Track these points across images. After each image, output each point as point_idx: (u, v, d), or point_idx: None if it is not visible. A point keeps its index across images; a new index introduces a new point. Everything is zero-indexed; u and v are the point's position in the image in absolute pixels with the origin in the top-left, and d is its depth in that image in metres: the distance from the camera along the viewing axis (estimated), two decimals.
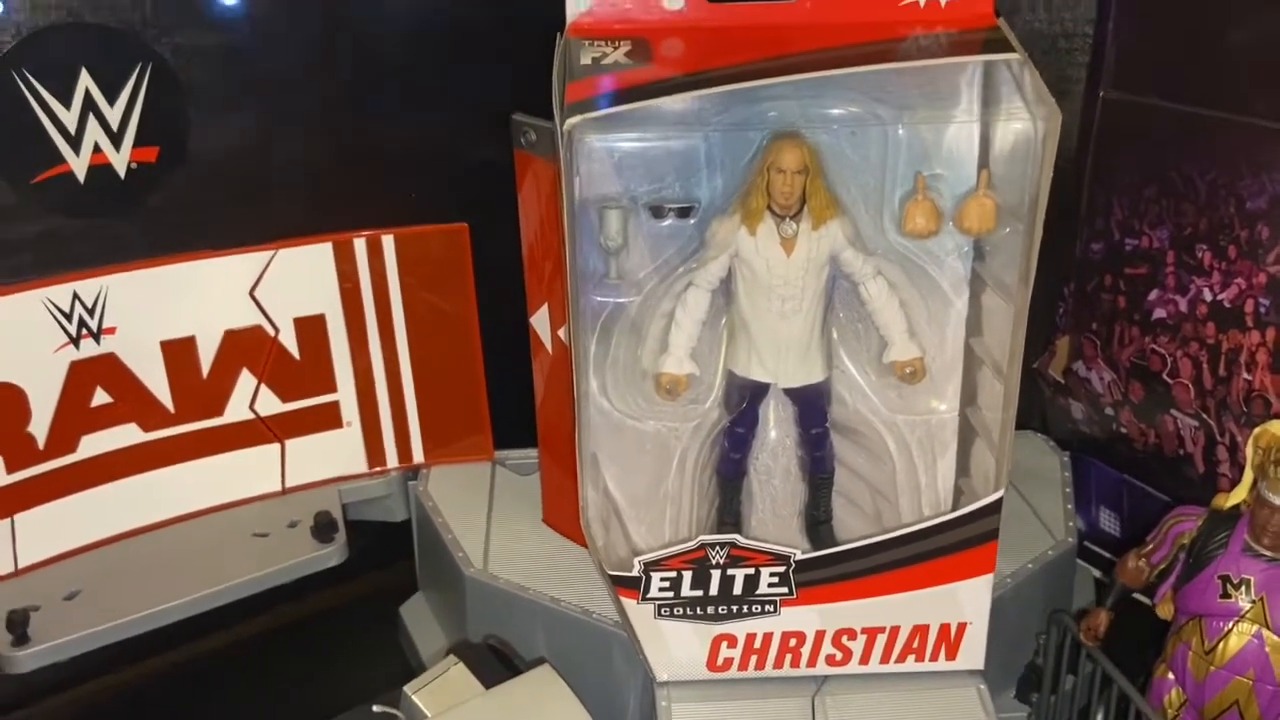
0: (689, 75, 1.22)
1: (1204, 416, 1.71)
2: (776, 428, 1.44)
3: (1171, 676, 1.39)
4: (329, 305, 1.79)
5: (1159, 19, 1.68)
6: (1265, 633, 1.29)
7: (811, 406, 1.40)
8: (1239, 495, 1.43)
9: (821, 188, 1.29)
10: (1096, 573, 1.91)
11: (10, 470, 1.63)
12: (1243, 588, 1.31)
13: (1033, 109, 1.20)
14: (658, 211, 1.29)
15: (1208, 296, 1.70)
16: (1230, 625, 1.31)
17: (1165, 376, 1.75)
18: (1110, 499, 1.92)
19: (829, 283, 1.34)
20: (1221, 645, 1.32)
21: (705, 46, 1.28)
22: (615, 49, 1.27)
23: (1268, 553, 1.29)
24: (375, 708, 1.24)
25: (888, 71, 1.22)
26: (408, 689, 1.28)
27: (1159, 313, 1.77)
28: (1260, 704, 1.30)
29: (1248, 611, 1.30)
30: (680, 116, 1.21)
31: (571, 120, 1.17)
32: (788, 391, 1.40)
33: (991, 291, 1.34)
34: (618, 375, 1.38)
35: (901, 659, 1.43)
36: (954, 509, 1.43)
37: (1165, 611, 1.45)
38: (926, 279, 1.36)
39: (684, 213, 1.29)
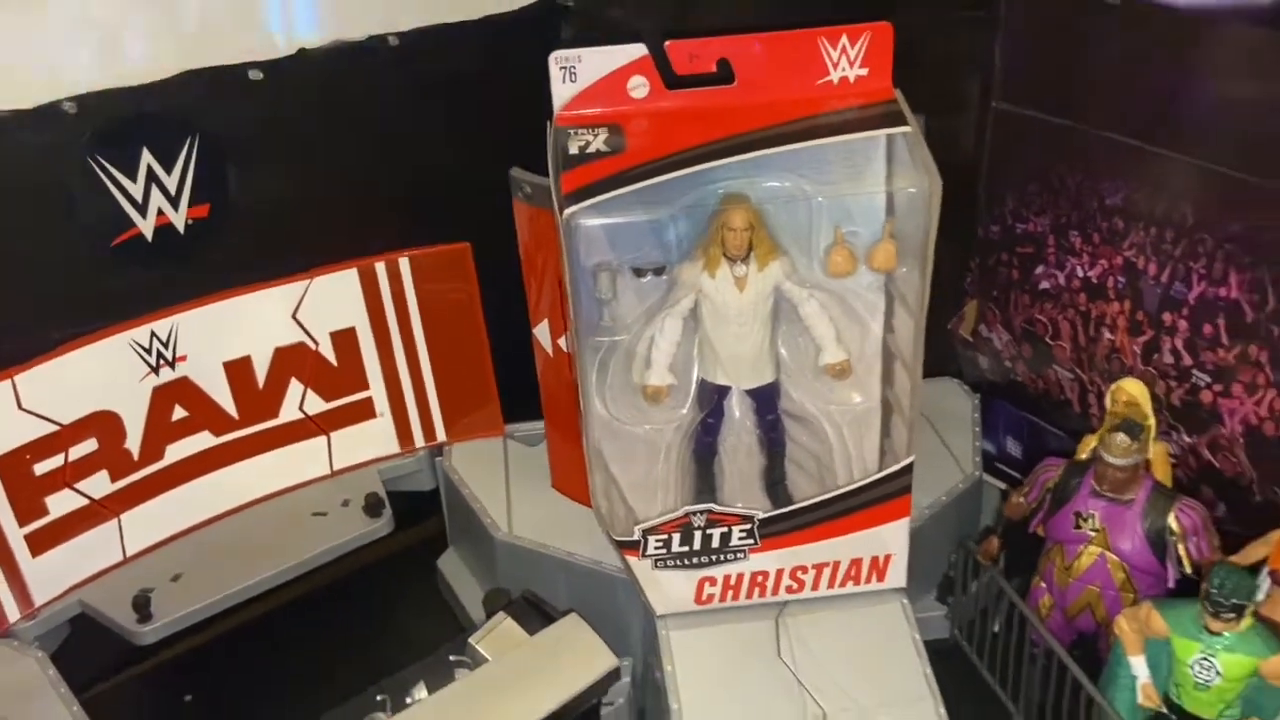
0: (656, 161, 1.54)
1: (1078, 371, 2.10)
2: (740, 416, 1.80)
3: (1044, 585, 1.81)
4: (358, 319, 2.10)
5: (1037, 48, 1.99)
6: (1106, 554, 1.71)
7: (765, 401, 1.76)
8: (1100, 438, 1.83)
9: (764, 237, 1.63)
10: (1003, 486, 2.33)
11: (114, 480, 1.95)
12: (1090, 521, 1.72)
13: (919, 176, 1.55)
14: (639, 271, 1.63)
15: (1080, 273, 2.06)
16: (1082, 549, 1.72)
17: (1048, 339, 2.14)
18: (1014, 431, 2.29)
19: (774, 307, 1.68)
20: (1076, 563, 1.74)
21: (666, 130, 1.59)
22: (595, 136, 1.59)
23: (1108, 494, 1.70)
24: (451, 656, 1.63)
25: (811, 149, 1.56)
26: (472, 640, 1.66)
27: (1044, 284, 2.13)
28: (1105, 604, 1.72)
29: (1094, 539, 1.72)
30: (651, 198, 1.54)
31: (569, 210, 1.50)
32: (746, 391, 1.76)
33: (899, 307, 1.71)
34: (615, 394, 1.72)
35: (843, 584, 1.81)
36: (880, 469, 1.81)
37: (1043, 532, 1.87)
38: (848, 305, 1.71)
39: (658, 271, 1.63)
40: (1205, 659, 1.49)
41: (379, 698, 1.55)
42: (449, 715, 1.54)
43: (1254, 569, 1.64)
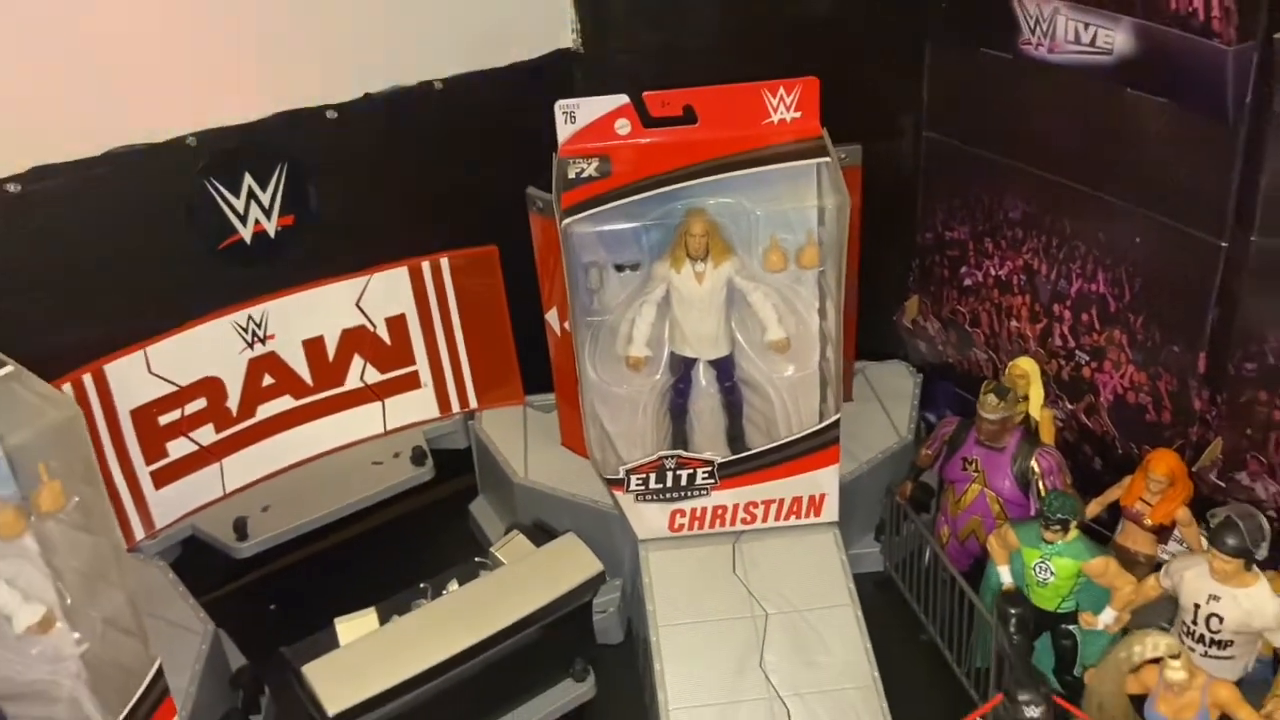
0: (635, 183, 2.02)
1: (990, 353, 2.55)
2: (705, 384, 2.21)
3: (942, 518, 2.26)
4: (408, 307, 2.49)
5: (953, 89, 2.41)
6: (986, 490, 2.14)
7: (724, 370, 2.17)
8: None
9: (719, 241, 2.08)
10: None
11: (218, 431, 2.36)
12: (973, 464, 2.16)
13: (833, 195, 2.02)
14: (620, 268, 2.09)
15: (993, 272, 2.48)
16: (967, 486, 2.17)
17: (968, 327, 2.59)
18: (952, 404, 2.66)
19: (728, 296, 2.11)
20: (963, 498, 2.17)
21: (644, 160, 2.07)
22: (589, 165, 2.08)
23: (986, 443, 2.15)
24: (477, 559, 2.13)
25: (758, 174, 2.03)
26: (492, 549, 2.16)
27: (967, 281, 2.58)
28: (985, 531, 2.14)
29: (976, 478, 2.16)
30: (631, 211, 2.02)
31: (567, 221, 1.99)
32: (709, 361, 2.18)
33: (829, 299, 2.18)
34: (603, 362, 2.15)
35: (787, 518, 2.18)
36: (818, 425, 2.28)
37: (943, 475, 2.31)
38: (788, 297, 2.14)
39: (634, 267, 2.08)
40: (1043, 562, 1.94)
41: (422, 585, 2.05)
42: (474, 599, 2.04)
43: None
